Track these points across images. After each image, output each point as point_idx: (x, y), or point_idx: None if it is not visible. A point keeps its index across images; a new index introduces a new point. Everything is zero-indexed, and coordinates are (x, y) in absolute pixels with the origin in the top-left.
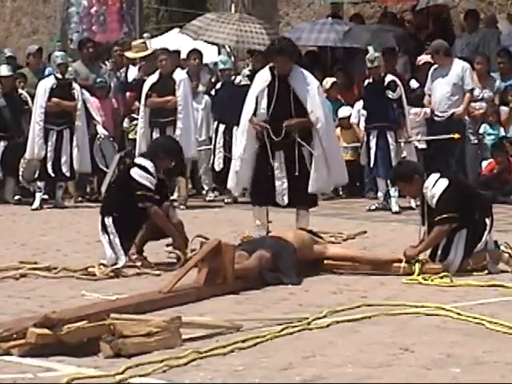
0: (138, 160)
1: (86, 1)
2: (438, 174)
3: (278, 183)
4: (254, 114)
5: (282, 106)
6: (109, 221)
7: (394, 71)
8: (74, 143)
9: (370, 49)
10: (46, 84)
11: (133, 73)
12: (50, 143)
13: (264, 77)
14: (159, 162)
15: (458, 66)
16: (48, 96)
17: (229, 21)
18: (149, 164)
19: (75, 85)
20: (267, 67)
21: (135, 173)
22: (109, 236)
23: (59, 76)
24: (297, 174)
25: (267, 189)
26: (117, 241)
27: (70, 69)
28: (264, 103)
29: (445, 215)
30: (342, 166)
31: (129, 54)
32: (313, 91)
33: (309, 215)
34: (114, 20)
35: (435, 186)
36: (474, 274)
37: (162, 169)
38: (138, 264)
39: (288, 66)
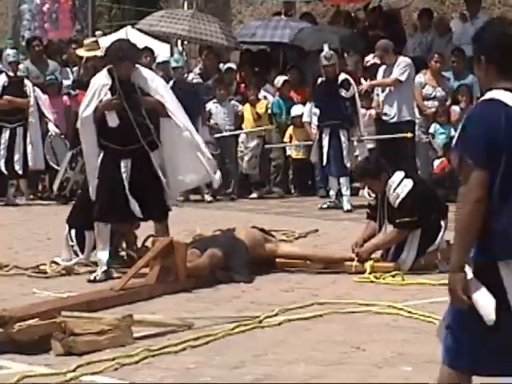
0: None
1: None
2: (402, 173)
3: (129, 195)
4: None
5: (131, 108)
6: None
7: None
8: (28, 140)
9: (325, 46)
10: None
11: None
12: (3, 141)
13: (103, 81)
14: None
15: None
16: (0, 94)
17: (181, 16)
18: None
19: (27, 82)
20: (105, 70)
21: None
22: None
23: (11, 74)
24: (146, 184)
25: (114, 204)
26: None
27: (21, 66)
28: None
29: (406, 219)
30: (197, 165)
31: (80, 53)
32: (160, 88)
33: (165, 227)
34: (66, 18)
35: (400, 185)
36: (426, 272)
37: None
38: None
39: (131, 70)
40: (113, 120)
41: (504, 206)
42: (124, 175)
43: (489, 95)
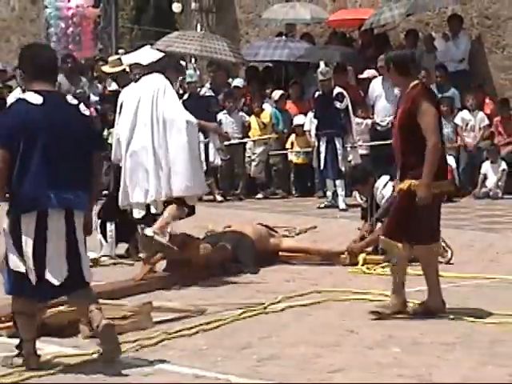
0: None
1: (63, 23)
2: (387, 177)
3: None
4: None
5: None
6: (111, 227)
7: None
8: None
9: (322, 63)
10: (15, 96)
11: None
12: None
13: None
14: None
15: None
16: None
17: (193, 37)
18: None
19: None
20: (162, 76)
21: None
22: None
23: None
24: None
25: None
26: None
27: None
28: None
29: None
30: None
31: (105, 69)
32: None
33: None
34: (89, 39)
35: (385, 187)
36: (412, 264)
37: None
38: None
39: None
40: None
41: (24, 175)
42: None
43: (21, 96)
